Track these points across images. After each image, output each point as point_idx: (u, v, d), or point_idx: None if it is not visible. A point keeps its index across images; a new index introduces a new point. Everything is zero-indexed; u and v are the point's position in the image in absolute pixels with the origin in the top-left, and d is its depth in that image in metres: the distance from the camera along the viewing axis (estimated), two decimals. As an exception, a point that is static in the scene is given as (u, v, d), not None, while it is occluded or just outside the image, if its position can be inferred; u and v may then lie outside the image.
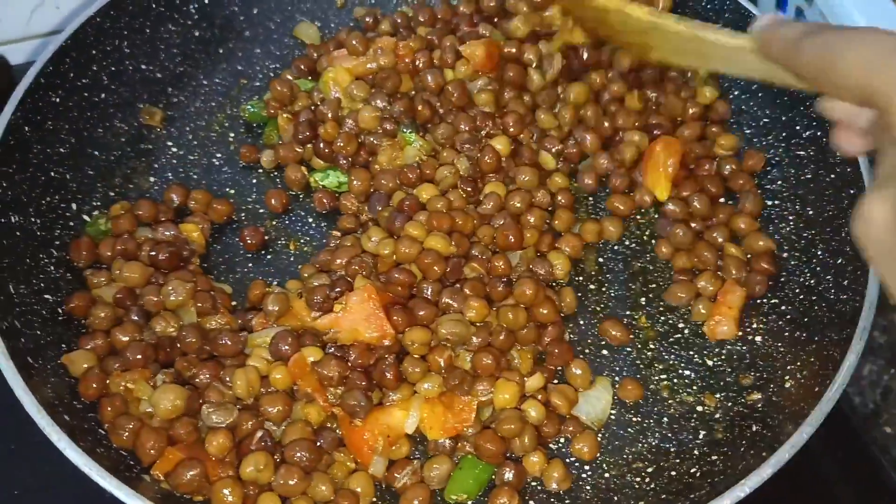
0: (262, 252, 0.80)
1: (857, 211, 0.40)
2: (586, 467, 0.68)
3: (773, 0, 0.99)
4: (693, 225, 0.80)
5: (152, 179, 0.84)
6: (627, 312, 0.77)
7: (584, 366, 0.72)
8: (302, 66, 0.91)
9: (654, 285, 0.79)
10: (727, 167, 0.84)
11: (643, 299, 0.78)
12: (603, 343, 0.75)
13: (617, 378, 0.73)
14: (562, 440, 0.70)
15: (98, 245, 0.76)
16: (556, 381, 0.72)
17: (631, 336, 0.75)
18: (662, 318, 0.77)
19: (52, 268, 0.73)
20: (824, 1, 0.85)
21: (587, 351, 0.75)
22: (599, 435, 0.70)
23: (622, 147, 0.83)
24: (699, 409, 0.71)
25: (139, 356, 0.67)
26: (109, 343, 0.69)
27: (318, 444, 0.65)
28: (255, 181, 0.86)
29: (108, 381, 0.66)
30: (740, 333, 0.75)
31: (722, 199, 0.83)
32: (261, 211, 0.84)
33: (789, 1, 0.96)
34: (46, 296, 0.71)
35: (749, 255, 0.79)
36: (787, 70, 0.47)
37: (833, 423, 0.76)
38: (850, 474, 0.78)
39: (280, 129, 0.86)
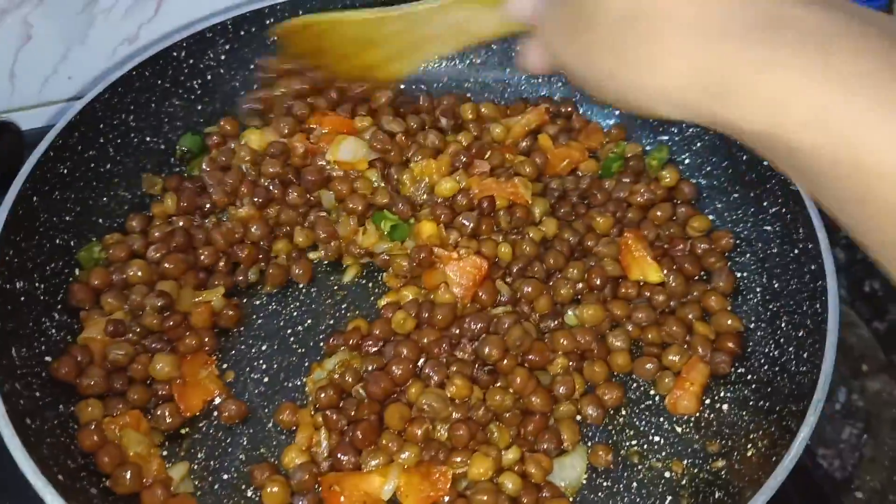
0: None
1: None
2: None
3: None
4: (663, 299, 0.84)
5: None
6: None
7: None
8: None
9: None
10: (701, 246, 0.88)
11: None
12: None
13: (589, 443, 0.76)
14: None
15: (91, 281, 0.81)
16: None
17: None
18: (634, 384, 0.80)
19: (54, 331, 0.77)
20: None
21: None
22: (572, 500, 0.73)
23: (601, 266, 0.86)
24: (667, 475, 0.74)
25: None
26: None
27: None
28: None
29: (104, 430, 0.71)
30: (700, 410, 0.78)
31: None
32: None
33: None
34: (47, 358, 0.75)
35: (716, 333, 0.82)
36: None
37: (805, 486, 0.79)
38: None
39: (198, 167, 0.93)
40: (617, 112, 1.01)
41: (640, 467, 0.75)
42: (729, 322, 0.81)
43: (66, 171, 0.84)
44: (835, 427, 0.86)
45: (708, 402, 0.79)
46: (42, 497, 0.60)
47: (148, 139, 0.93)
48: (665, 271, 0.85)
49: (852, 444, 0.85)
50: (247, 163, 0.90)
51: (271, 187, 0.89)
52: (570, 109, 1.00)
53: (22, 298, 0.75)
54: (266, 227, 0.87)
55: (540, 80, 1.03)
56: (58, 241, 0.82)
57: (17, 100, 1.07)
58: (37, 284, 0.78)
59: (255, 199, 0.88)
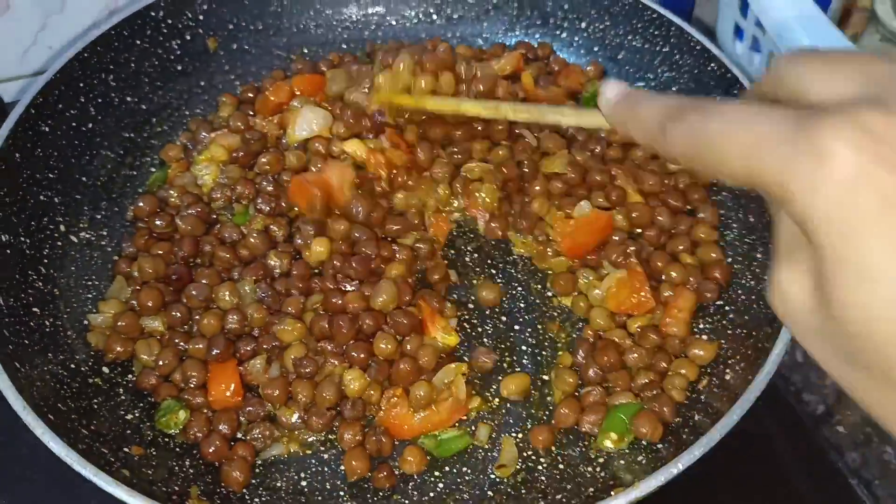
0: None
1: (771, 285, 0.37)
2: (541, 458, 0.72)
3: (731, 31, 1.06)
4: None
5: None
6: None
7: None
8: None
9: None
10: (682, 181, 0.89)
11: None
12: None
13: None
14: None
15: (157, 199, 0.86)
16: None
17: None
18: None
19: (41, 284, 0.78)
20: (774, 29, 0.92)
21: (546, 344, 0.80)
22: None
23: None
24: (648, 403, 0.76)
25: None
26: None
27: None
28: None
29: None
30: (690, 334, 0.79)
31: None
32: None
33: (744, 32, 1.03)
34: (34, 309, 0.75)
35: (703, 264, 0.83)
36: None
37: (794, 428, 0.82)
38: (810, 470, 0.81)
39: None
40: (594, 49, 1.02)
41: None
42: (713, 255, 0.83)
43: (47, 129, 0.85)
44: (820, 372, 0.88)
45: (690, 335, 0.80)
46: (33, 430, 0.61)
47: (128, 99, 0.94)
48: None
49: (836, 387, 0.86)
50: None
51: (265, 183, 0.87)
52: (546, 52, 1.01)
53: (7, 251, 0.76)
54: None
55: (517, 32, 1.04)
56: (41, 198, 0.83)
57: (-2, 71, 1.08)
58: (22, 238, 0.78)
59: (261, 206, 0.86)
